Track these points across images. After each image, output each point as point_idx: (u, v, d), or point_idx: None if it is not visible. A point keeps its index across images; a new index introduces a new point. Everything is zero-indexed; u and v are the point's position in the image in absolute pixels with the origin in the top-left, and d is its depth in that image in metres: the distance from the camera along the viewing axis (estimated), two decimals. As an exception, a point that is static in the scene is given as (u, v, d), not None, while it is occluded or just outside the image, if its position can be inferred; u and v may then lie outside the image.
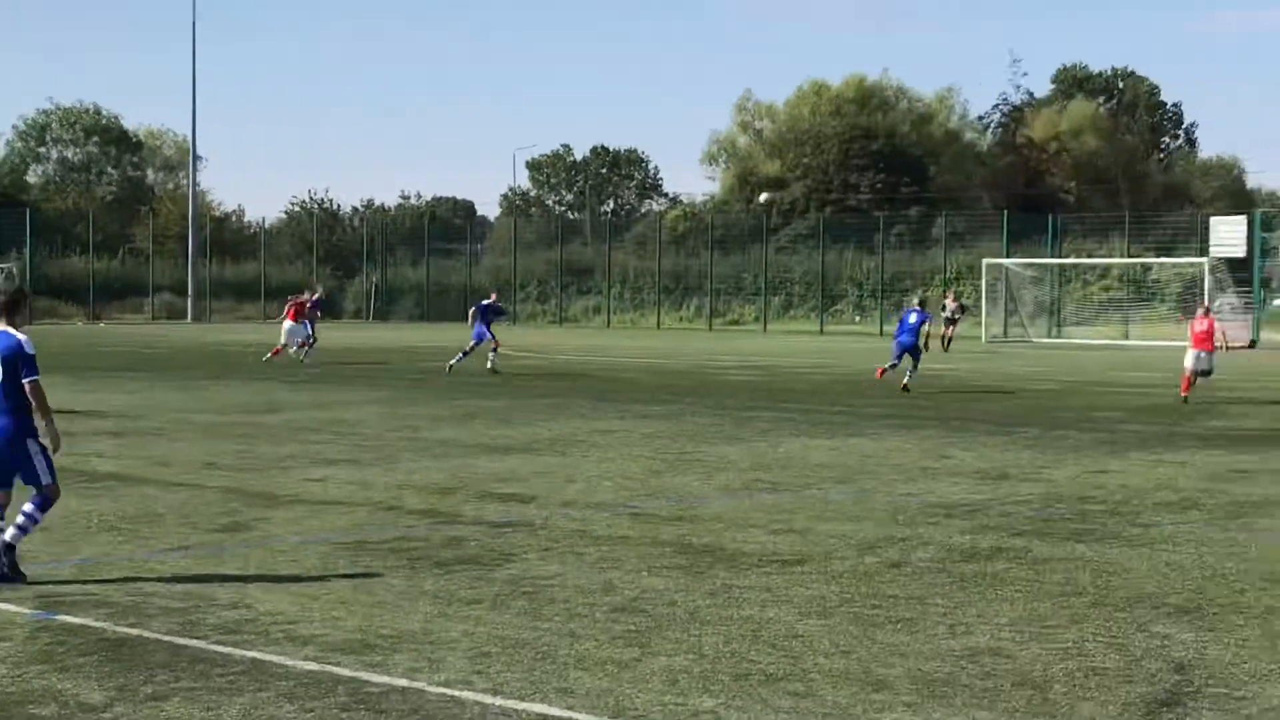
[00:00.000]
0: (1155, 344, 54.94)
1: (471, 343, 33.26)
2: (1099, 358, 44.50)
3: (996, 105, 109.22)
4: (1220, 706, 7.28)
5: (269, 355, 36.22)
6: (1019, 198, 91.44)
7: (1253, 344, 54.77)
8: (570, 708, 7.21)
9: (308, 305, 37.32)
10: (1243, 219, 58.76)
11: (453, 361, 32.87)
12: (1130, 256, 67.97)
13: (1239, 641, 8.55)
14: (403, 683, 7.60)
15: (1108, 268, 69.57)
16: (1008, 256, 65.09)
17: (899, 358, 28.79)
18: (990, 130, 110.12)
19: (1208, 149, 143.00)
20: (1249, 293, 59.87)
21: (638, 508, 13.44)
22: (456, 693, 7.44)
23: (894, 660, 8.09)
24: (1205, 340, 27.70)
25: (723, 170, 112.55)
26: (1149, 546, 11.65)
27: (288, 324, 36.52)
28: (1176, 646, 8.44)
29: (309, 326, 36.74)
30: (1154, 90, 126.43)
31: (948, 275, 71.21)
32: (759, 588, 9.97)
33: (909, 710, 7.19)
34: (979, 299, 62.70)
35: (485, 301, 34.54)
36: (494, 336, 33.09)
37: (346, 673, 7.76)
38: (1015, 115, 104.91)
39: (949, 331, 48.51)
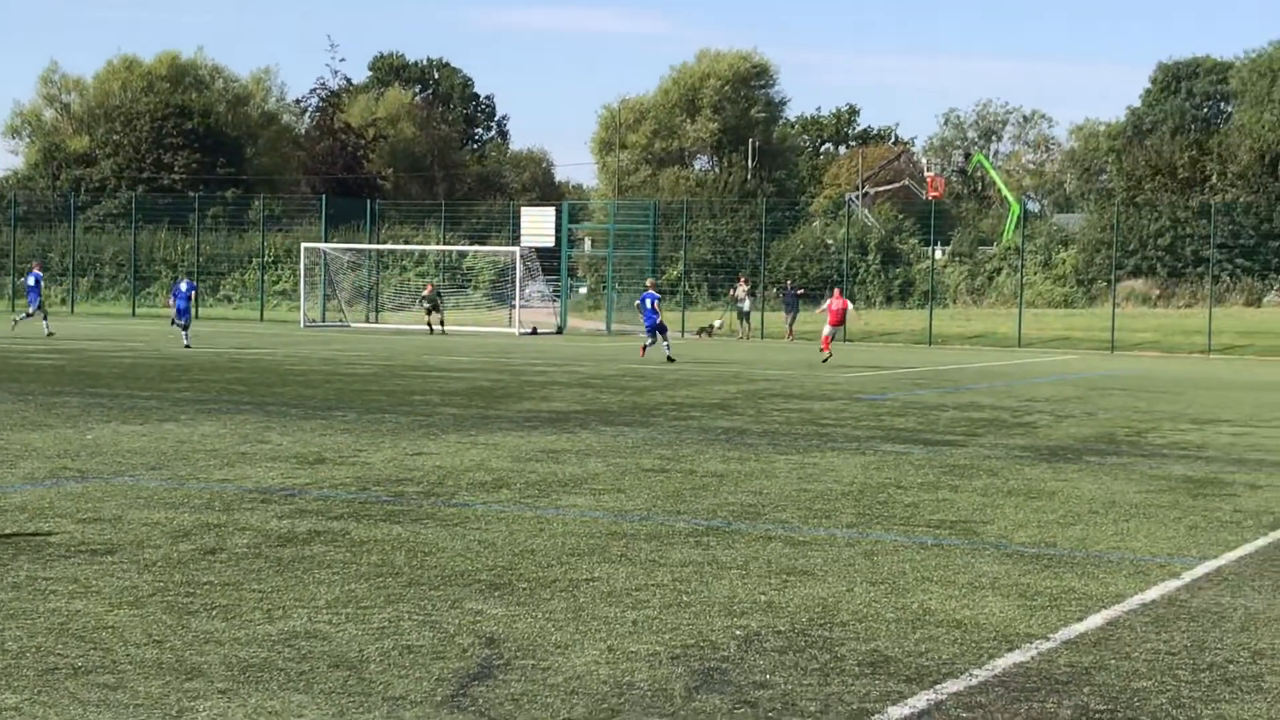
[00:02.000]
0: (468, 330, 56.66)
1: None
2: (415, 343, 45.40)
3: (314, 89, 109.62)
4: (528, 676, 7.56)
5: None
6: (337, 183, 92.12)
7: (560, 330, 57.44)
8: None
9: None
10: (551, 210, 61.52)
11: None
12: (446, 244, 69.81)
13: (546, 614, 8.91)
14: None
15: (424, 254, 71.21)
16: (326, 241, 65.40)
17: (651, 335, 37.06)
18: (308, 114, 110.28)
19: (518, 142, 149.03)
20: (557, 280, 62.77)
21: (-68, 499, 12.58)
22: None
23: (209, 648, 7.93)
24: (838, 316, 38.10)
25: (27, 145, 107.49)
26: (462, 526, 11.97)
27: None
28: (488, 621, 8.70)
29: None
30: (468, 82, 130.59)
31: (265, 259, 70.81)
32: (67, 579, 9.54)
33: (223, 697, 7.07)
34: (297, 283, 62.67)
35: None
36: None
37: None
38: (333, 100, 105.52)
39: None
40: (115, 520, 11.78)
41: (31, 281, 45.42)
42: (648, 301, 37.72)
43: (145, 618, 8.55)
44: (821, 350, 37.84)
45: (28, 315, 45.33)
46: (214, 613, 8.73)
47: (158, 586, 9.40)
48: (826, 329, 38.27)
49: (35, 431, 17.83)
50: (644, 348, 37.68)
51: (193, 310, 40.60)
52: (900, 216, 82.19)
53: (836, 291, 40.48)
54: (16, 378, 26.33)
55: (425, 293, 55.64)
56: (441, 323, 54.05)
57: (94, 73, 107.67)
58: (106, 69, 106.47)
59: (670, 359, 36.65)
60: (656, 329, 37.17)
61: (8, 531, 11.19)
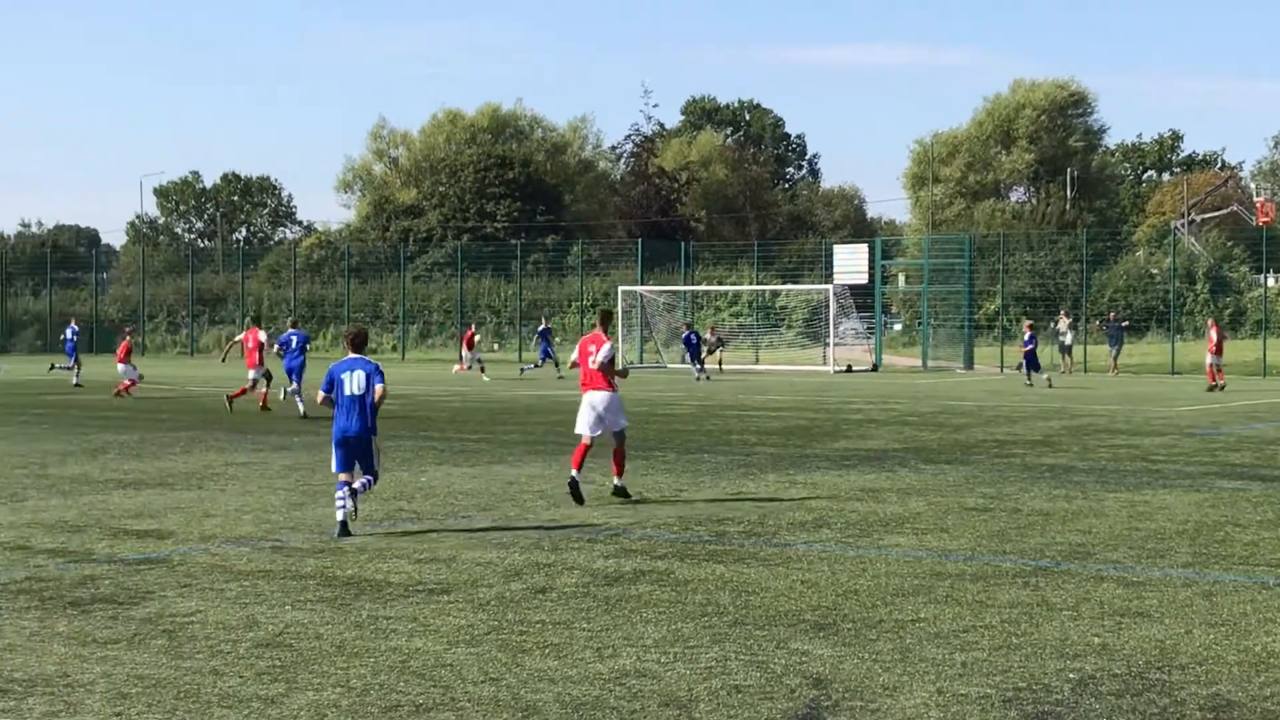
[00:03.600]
0: (783, 368, 56.73)
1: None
2: (730, 383, 45.66)
3: (628, 135, 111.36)
4: (857, 719, 7.53)
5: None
6: (652, 226, 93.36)
7: (875, 367, 57.08)
8: (214, 749, 7.01)
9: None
10: (864, 247, 61.14)
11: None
12: (759, 283, 70.07)
13: (873, 655, 8.86)
14: (34, 731, 7.26)
15: (738, 294, 71.63)
16: (642, 283, 66.29)
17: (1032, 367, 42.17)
18: (623, 160, 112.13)
19: (829, 179, 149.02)
20: (871, 317, 62.40)
21: (279, 541, 13.18)
22: (93, 739, 7.15)
23: (543, 685, 8.12)
24: (1218, 347, 39.88)
25: (358, 198, 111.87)
26: (785, 565, 11.99)
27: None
28: (814, 662, 8.70)
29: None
30: (778, 122, 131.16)
31: (584, 302, 72.17)
32: (406, 618, 9.88)
33: (559, 735, 7.22)
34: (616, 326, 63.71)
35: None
36: None
37: (-28, 723, 7.39)
38: (646, 145, 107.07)
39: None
40: (449, 560, 12.15)
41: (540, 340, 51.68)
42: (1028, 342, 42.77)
43: (481, 656, 8.79)
44: (1216, 382, 39.85)
45: (535, 366, 51.25)
46: (546, 651, 8.92)
47: (492, 625, 9.66)
48: (1208, 359, 40.47)
49: (372, 475, 18.48)
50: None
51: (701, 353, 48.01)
52: (1229, 244, 79.33)
53: (1210, 321, 42.95)
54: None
55: (708, 336, 56.43)
56: (720, 361, 54.41)
57: (420, 127, 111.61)
58: (432, 123, 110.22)
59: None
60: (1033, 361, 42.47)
61: (349, 572, 11.64)
